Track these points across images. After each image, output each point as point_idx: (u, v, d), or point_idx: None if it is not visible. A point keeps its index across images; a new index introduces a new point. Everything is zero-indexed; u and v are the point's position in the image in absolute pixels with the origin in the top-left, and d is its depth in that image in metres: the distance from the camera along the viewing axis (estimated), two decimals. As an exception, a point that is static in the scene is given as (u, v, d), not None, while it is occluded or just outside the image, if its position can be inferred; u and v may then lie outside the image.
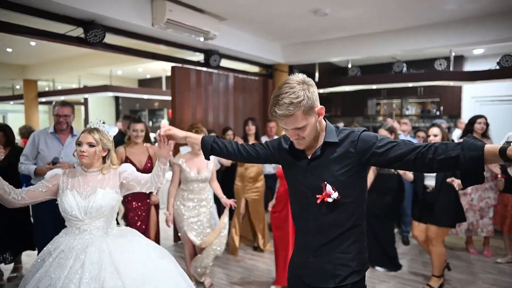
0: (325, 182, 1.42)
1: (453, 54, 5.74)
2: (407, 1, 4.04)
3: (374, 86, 6.91)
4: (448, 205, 3.16)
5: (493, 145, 1.16)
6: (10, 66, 8.54)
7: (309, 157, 1.49)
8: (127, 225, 3.35)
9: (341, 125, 1.88)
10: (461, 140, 1.23)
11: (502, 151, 1.11)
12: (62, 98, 9.93)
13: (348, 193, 1.44)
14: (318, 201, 1.43)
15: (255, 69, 6.45)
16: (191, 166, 3.19)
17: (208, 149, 1.71)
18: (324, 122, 1.50)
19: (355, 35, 5.50)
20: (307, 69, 7.06)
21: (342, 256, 1.47)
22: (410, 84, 6.38)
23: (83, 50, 5.87)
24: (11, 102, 11.30)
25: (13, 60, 8.13)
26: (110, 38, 3.88)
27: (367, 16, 4.57)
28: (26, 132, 5.50)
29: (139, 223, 3.42)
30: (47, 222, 2.99)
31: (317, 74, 6.95)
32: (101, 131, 2.06)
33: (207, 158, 1.76)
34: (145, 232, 3.39)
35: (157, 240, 3.71)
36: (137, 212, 3.43)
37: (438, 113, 7.97)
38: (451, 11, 4.39)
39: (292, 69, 6.64)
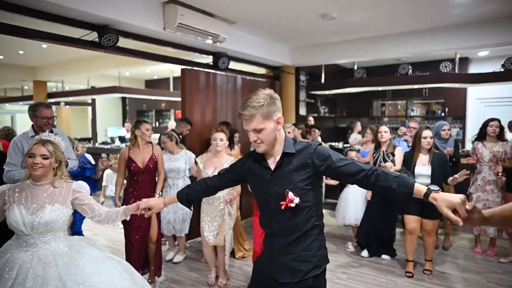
0: (287, 190, 1.61)
1: (458, 56, 5.81)
2: (415, 6, 4.12)
3: (379, 88, 6.98)
4: None
5: (420, 186, 1.43)
6: (20, 67, 8.69)
7: (272, 168, 1.69)
8: (126, 221, 3.36)
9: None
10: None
11: (426, 196, 1.39)
12: (70, 99, 10.09)
13: (307, 198, 1.65)
14: (282, 207, 1.61)
15: (262, 71, 6.55)
16: (208, 166, 3.31)
17: (186, 200, 1.92)
18: (283, 134, 1.72)
19: (361, 38, 5.58)
20: (313, 71, 7.16)
21: (304, 253, 1.68)
22: (415, 86, 6.45)
23: (92, 52, 5.99)
24: (20, 103, 11.46)
25: (24, 62, 8.28)
26: (122, 42, 3.98)
27: (374, 20, 4.65)
28: (5, 134, 5.23)
29: (140, 220, 3.36)
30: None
31: (323, 76, 7.04)
32: (54, 144, 2.03)
33: (190, 208, 1.99)
34: (147, 230, 3.44)
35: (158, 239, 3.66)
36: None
37: (442, 114, 8.02)
38: (457, 15, 4.46)
39: (298, 71, 6.74)
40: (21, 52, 7.09)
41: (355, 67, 6.67)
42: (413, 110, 8.62)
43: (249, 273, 3.75)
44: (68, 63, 8.15)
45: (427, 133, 3.59)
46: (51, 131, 3.10)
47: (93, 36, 3.75)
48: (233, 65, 5.58)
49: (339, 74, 8.13)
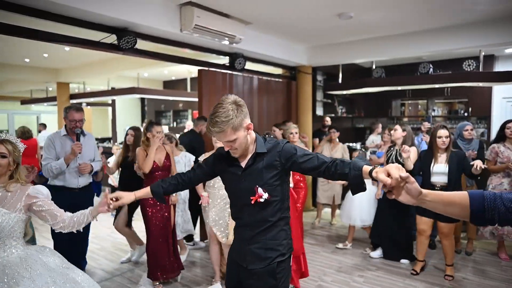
0: (257, 186, 1.73)
1: (483, 53, 5.60)
2: (435, 3, 4.00)
3: (399, 87, 6.83)
4: None
5: (368, 166, 1.53)
6: (45, 70, 8.97)
7: (243, 165, 1.79)
8: (145, 222, 3.41)
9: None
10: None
11: (370, 173, 1.47)
12: (91, 99, 10.35)
13: (275, 193, 1.78)
14: (252, 202, 1.74)
15: (278, 71, 6.52)
16: None
17: (161, 193, 1.93)
18: (254, 135, 1.81)
19: (380, 36, 5.47)
20: (330, 71, 7.07)
21: (272, 242, 1.81)
22: (437, 85, 6.27)
23: (112, 54, 6.13)
24: (45, 104, 11.84)
25: (48, 64, 8.54)
26: (140, 44, 4.04)
27: (393, 18, 4.55)
28: (20, 132, 5.94)
29: (160, 214, 3.42)
30: None
31: (340, 75, 6.94)
32: (13, 143, 1.94)
33: (163, 202, 2.07)
34: (169, 224, 3.49)
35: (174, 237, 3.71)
36: (155, 207, 3.41)
37: (466, 114, 7.77)
38: (481, 11, 4.30)
39: (315, 71, 6.67)
40: (45, 55, 7.32)
41: (373, 67, 6.54)
42: (434, 110, 8.39)
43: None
44: (89, 65, 8.35)
45: (442, 132, 3.56)
46: (82, 133, 3.38)
47: (112, 38, 3.83)
48: (249, 65, 5.58)
49: (356, 74, 8.00)
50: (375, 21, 4.67)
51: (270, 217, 1.79)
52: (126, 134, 4.13)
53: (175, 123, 11.97)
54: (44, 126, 10.21)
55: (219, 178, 1.98)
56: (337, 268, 3.98)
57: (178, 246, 4.29)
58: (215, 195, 3.42)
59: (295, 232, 3.25)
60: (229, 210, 3.33)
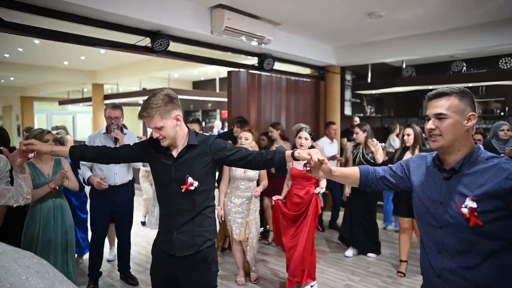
0: (187, 175, 1.82)
1: (520, 51, 5.39)
2: (470, 0, 3.90)
3: (430, 86, 6.66)
4: None
5: (290, 151, 1.78)
6: (82, 72, 9.43)
7: (175, 156, 1.87)
8: None
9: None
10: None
11: (292, 154, 1.73)
12: (124, 100, 10.75)
13: (204, 183, 1.88)
14: (183, 190, 1.81)
15: (307, 71, 6.53)
16: None
17: (77, 156, 1.97)
18: (185, 129, 1.91)
19: (411, 35, 5.37)
20: (359, 70, 7.00)
21: (199, 229, 1.90)
22: (470, 84, 6.07)
23: (144, 56, 6.38)
24: (80, 104, 12.42)
25: (84, 66, 8.98)
26: (172, 46, 4.19)
27: (424, 16, 4.46)
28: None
29: None
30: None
31: (369, 75, 6.86)
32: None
33: (78, 167, 2.10)
34: None
35: None
36: None
37: (502, 113, 7.46)
38: (518, 7, 4.15)
39: (344, 70, 6.63)
40: (82, 58, 7.71)
41: (404, 66, 6.42)
42: (468, 110, 8.10)
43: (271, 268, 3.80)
44: (122, 67, 8.71)
45: (406, 130, 3.74)
46: (121, 130, 3.45)
47: (146, 41, 4.00)
48: (278, 65, 5.63)
49: (386, 73, 7.86)
50: (406, 19, 4.60)
51: (198, 205, 1.88)
52: None
53: (204, 123, 12.22)
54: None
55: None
56: (365, 268, 3.98)
57: None
58: (238, 189, 3.47)
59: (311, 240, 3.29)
60: (252, 206, 3.45)
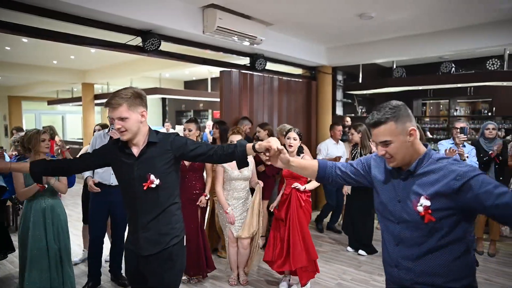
0: (149, 173, 1.82)
1: (508, 52, 5.48)
2: (458, 2, 3.96)
3: (420, 87, 6.75)
4: None
5: (250, 144, 1.81)
6: (71, 71, 9.31)
7: (136, 154, 1.88)
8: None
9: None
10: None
11: (253, 147, 1.77)
12: (115, 100, 10.62)
13: (167, 180, 1.88)
14: (145, 188, 1.82)
15: (298, 71, 6.56)
16: (233, 166, 3.37)
17: (40, 173, 1.96)
18: (147, 128, 1.92)
19: (401, 36, 5.43)
20: (351, 71, 7.05)
21: (165, 227, 1.90)
22: (459, 85, 6.17)
23: (135, 55, 6.34)
24: (70, 104, 12.26)
25: (74, 66, 8.87)
26: (164, 45, 4.16)
27: (415, 18, 4.52)
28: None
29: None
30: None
31: (360, 75, 6.92)
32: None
33: (40, 182, 2.21)
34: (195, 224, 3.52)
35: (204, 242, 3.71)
36: (183, 209, 3.44)
37: (489, 113, 7.60)
38: (506, 9, 4.22)
39: (335, 71, 6.67)
40: (72, 57, 7.61)
41: (394, 66, 6.49)
42: (456, 110, 8.23)
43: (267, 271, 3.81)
44: (113, 66, 8.62)
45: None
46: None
47: (137, 41, 3.97)
48: (269, 66, 5.64)
49: (377, 74, 7.94)
50: (396, 21, 4.65)
51: (162, 203, 1.88)
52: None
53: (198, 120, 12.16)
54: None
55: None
56: (357, 266, 4.01)
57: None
58: (235, 190, 3.46)
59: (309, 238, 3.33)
60: (248, 206, 3.45)
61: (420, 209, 1.37)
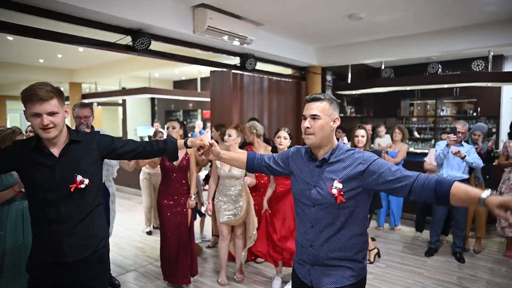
0: (76, 174, 1.71)
1: (492, 54, 5.62)
2: (445, 4, 4.04)
3: (408, 87, 6.85)
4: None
5: (181, 140, 1.96)
6: (58, 70, 9.15)
7: (56, 155, 1.72)
8: (160, 222, 3.44)
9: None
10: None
11: (185, 142, 1.94)
12: (103, 99, 10.52)
13: (94, 179, 1.80)
14: (72, 189, 1.69)
15: (288, 71, 6.59)
16: (223, 164, 3.35)
17: None
18: (66, 127, 1.79)
19: (389, 37, 5.51)
20: (340, 71, 7.12)
21: (93, 229, 1.82)
22: (445, 85, 6.29)
23: (124, 55, 6.27)
24: (57, 104, 12.04)
25: (61, 64, 8.73)
26: (153, 45, 4.14)
27: (403, 19, 4.60)
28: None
29: (177, 218, 3.41)
30: None
31: (349, 76, 6.99)
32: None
33: None
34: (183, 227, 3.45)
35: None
36: (171, 209, 3.40)
37: (475, 114, 7.77)
38: (491, 11, 4.33)
39: (325, 71, 6.73)
40: (59, 56, 7.49)
41: (383, 67, 6.58)
42: (443, 110, 8.40)
43: (263, 272, 3.83)
44: (102, 66, 8.52)
45: (358, 132, 3.85)
46: (92, 129, 3.27)
47: (127, 40, 3.94)
48: (259, 66, 5.66)
49: (366, 74, 8.03)
50: (385, 22, 4.72)
51: (89, 204, 1.79)
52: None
53: (185, 123, 12.10)
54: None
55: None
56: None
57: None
58: (225, 186, 3.47)
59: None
60: (240, 203, 3.45)
61: (334, 191, 1.58)
